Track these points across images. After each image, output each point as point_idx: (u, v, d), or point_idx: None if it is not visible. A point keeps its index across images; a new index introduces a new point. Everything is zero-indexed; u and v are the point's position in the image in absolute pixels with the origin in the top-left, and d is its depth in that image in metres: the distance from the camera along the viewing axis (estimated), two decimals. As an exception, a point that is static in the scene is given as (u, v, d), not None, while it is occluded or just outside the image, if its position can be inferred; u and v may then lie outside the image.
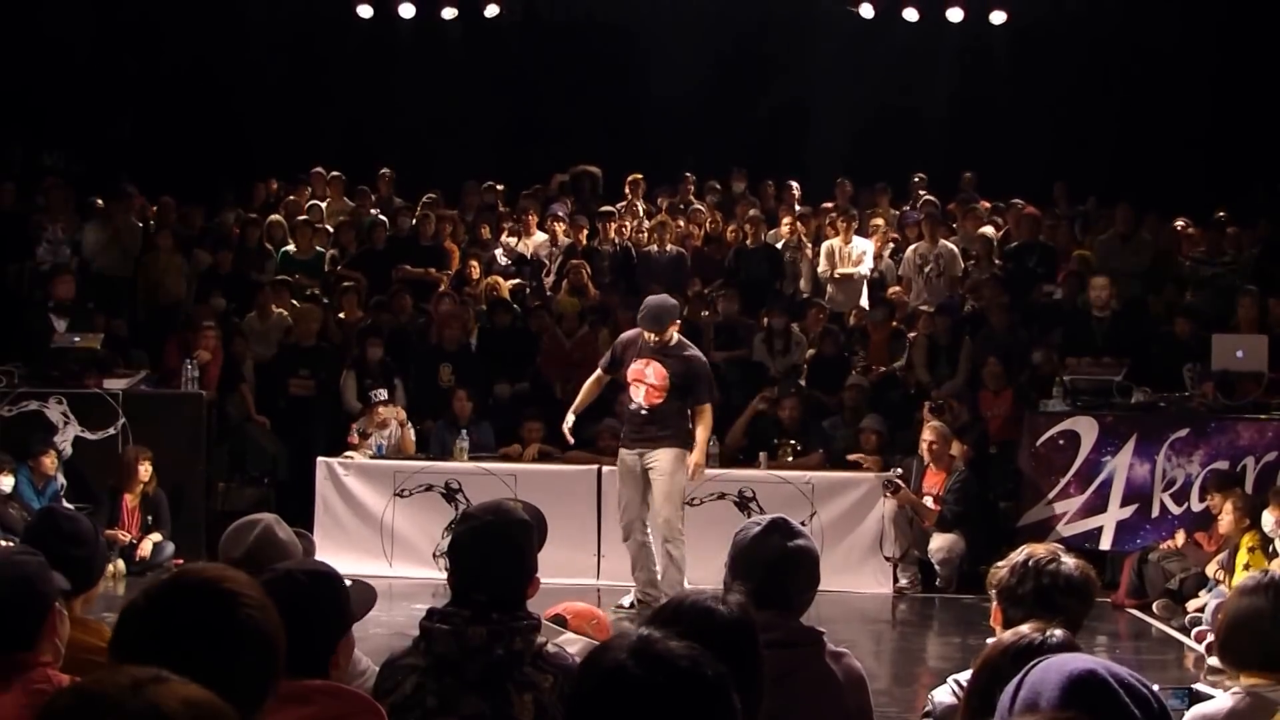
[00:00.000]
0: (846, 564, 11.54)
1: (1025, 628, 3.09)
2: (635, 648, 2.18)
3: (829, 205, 16.48)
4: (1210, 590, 10.20)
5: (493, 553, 3.83)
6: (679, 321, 10.52)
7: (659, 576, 10.15)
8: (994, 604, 3.80)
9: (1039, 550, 3.82)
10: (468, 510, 4.16)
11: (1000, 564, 3.86)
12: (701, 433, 10.26)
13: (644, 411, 10.14)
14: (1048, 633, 3.04)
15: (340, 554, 10.82)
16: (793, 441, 12.50)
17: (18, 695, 3.36)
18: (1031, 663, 2.34)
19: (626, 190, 16.87)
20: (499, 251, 15.76)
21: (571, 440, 11.01)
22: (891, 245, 15.96)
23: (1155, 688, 2.29)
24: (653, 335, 10.14)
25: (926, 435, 11.99)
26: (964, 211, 16.36)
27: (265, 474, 13.29)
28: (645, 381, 10.12)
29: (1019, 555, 3.81)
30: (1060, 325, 13.83)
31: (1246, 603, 3.73)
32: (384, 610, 9.49)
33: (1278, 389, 12.24)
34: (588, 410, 10.92)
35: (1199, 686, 3.98)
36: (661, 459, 10.12)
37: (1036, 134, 17.58)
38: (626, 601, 10.21)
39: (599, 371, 10.63)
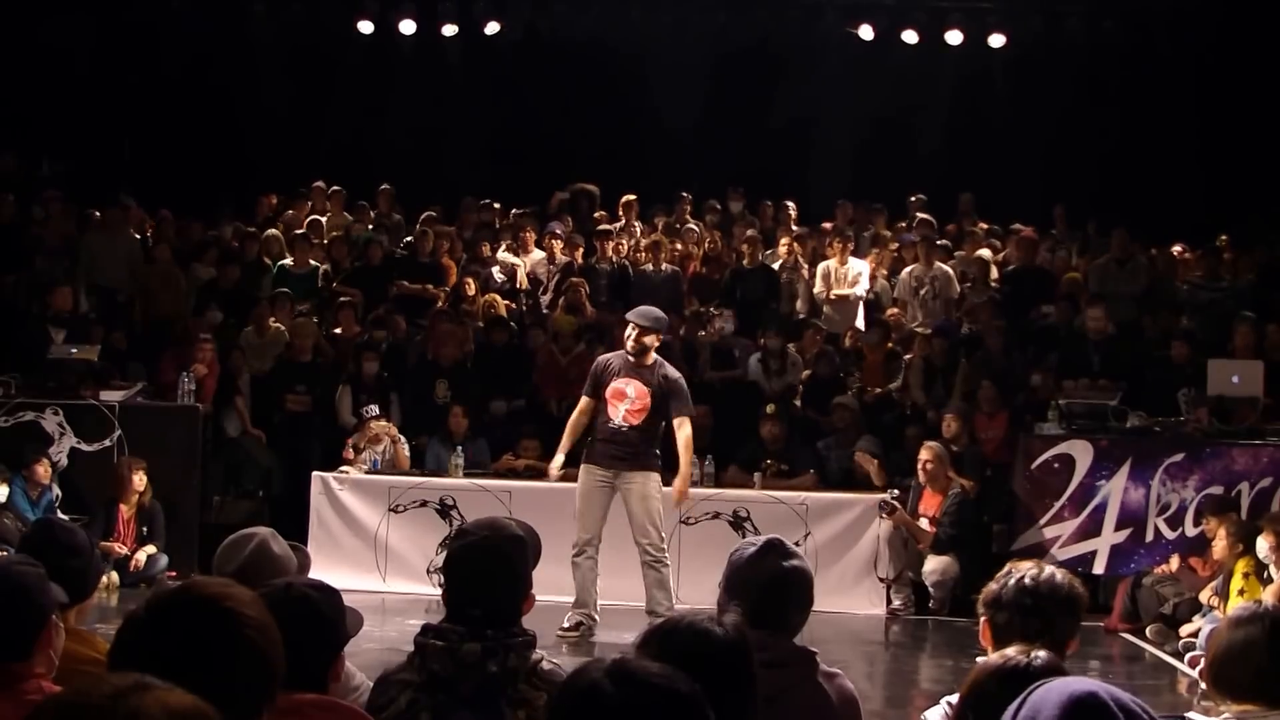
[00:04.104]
0: (840, 585, 11.54)
1: (1011, 650, 3.10)
2: (611, 668, 2.21)
3: (826, 226, 16.50)
4: (1204, 615, 10.19)
5: (488, 569, 3.82)
6: (659, 340, 10.43)
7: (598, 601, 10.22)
8: (981, 618, 3.82)
9: (1025, 564, 3.85)
10: (463, 526, 4.16)
11: (989, 584, 3.89)
12: (684, 453, 10.18)
13: (623, 429, 10.09)
14: (1032, 655, 3.05)
15: (334, 569, 10.83)
16: (772, 462, 12.50)
17: (11, 706, 3.36)
18: (1036, 683, 2.35)
19: (621, 211, 16.89)
20: (495, 269, 15.77)
21: (557, 472, 10.68)
22: (887, 269, 15.98)
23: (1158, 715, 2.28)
24: (634, 344, 10.11)
25: (923, 455, 11.97)
26: (963, 233, 16.39)
27: (260, 488, 13.30)
28: (626, 397, 10.10)
29: (1005, 569, 3.84)
30: (1056, 348, 13.84)
31: (1241, 634, 3.74)
32: (378, 626, 9.49)
33: (1273, 415, 12.26)
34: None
35: (1191, 715, 3.98)
36: (639, 482, 10.09)
37: (1034, 156, 17.59)
38: (568, 623, 10.12)
39: (585, 400, 10.37)
